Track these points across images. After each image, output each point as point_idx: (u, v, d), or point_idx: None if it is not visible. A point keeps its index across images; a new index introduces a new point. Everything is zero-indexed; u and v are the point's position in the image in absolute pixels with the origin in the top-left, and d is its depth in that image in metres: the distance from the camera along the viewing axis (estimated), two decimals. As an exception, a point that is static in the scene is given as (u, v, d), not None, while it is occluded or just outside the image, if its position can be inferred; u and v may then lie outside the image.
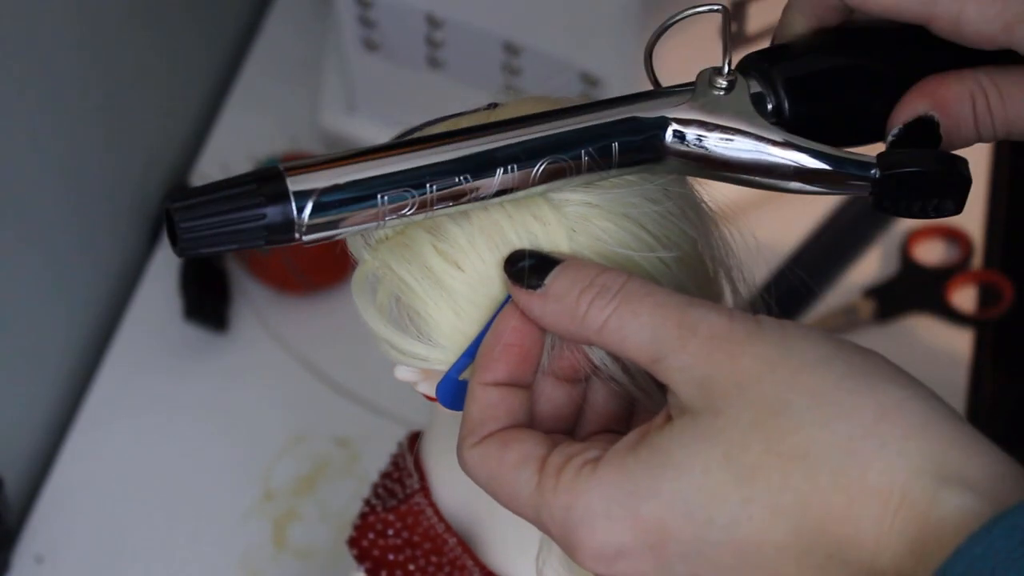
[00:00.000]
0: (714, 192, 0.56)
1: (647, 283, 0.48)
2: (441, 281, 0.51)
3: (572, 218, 0.51)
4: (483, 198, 0.50)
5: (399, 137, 0.55)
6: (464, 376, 0.52)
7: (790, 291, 1.06)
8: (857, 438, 0.44)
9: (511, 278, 0.50)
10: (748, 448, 0.44)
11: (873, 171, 0.50)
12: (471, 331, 0.51)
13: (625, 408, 0.53)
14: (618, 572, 0.47)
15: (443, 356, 0.52)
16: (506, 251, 0.51)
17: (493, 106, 0.54)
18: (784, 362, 0.45)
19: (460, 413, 0.52)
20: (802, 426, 0.44)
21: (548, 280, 0.49)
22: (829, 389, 0.45)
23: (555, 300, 0.49)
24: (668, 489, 0.45)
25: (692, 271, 0.54)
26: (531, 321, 0.50)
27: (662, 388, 0.48)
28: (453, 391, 0.52)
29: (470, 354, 0.52)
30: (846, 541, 0.43)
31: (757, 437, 0.44)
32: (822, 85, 0.53)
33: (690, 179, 0.55)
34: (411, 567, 0.64)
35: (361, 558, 0.65)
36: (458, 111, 0.56)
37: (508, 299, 0.51)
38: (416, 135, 0.52)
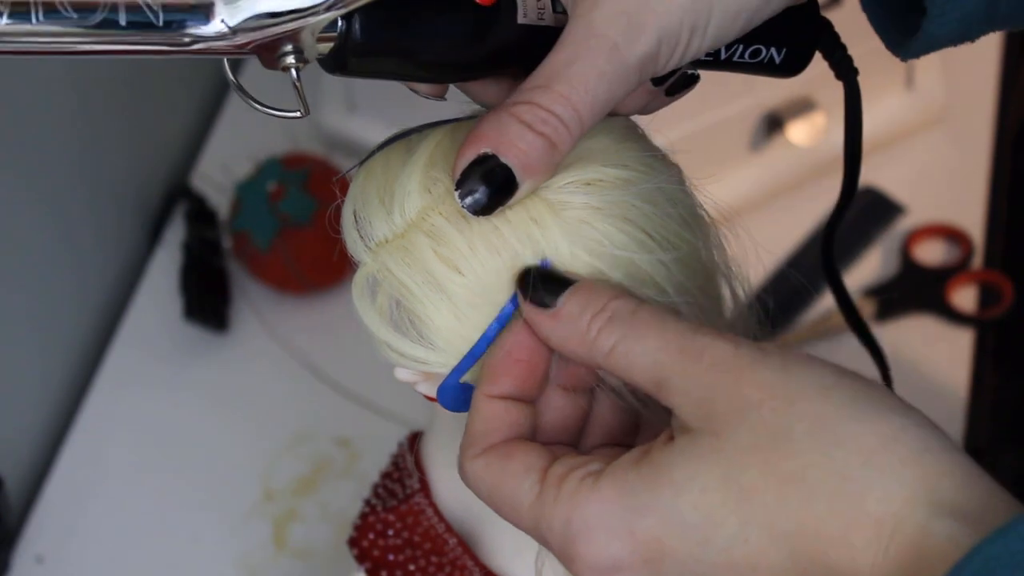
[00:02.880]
0: (714, 194, 0.56)
1: (658, 311, 0.48)
2: (442, 285, 0.51)
3: (572, 222, 0.51)
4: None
5: (395, 138, 0.55)
6: (465, 379, 0.52)
7: (789, 291, 1.06)
8: (855, 466, 0.44)
9: (523, 294, 0.50)
10: (746, 470, 0.44)
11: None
12: (472, 335, 0.51)
13: (630, 421, 0.53)
14: None
15: (444, 359, 0.52)
16: (506, 255, 0.51)
17: None
18: (786, 389, 0.45)
19: (460, 414, 0.52)
20: (801, 451, 0.44)
21: (560, 301, 0.49)
22: (829, 417, 0.45)
23: (566, 322, 0.49)
24: (666, 506, 0.45)
25: (692, 272, 0.54)
26: (540, 338, 0.50)
27: (667, 411, 0.48)
28: (454, 394, 0.52)
29: (472, 358, 0.51)
30: (841, 566, 0.44)
31: (756, 460, 0.44)
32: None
33: (688, 183, 0.55)
34: (411, 567, 0.64)
35: (361, 558, 0.65)
36: (457, 111, 0.56)
37: (512, 309, 0.51)
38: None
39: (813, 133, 1.07)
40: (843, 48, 0.58)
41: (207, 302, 1.06)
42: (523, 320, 0.50)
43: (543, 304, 0.49)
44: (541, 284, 0.50)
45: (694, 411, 0.46)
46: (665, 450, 0.46)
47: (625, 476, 0.46)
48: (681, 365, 0.46)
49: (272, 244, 1.03)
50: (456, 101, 0.56)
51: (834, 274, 0.65)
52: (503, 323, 0.51)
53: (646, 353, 0.47)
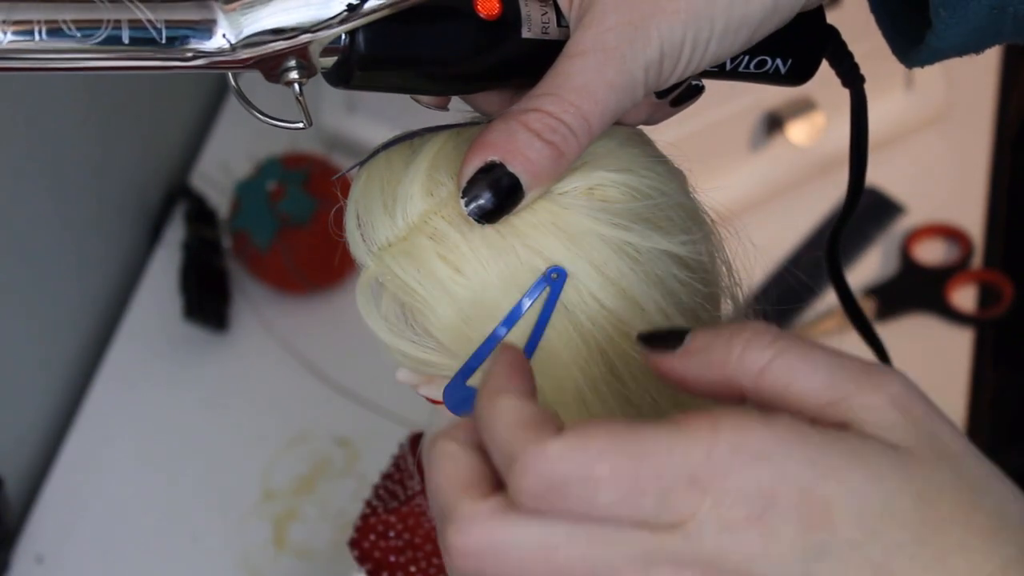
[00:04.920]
0: (713, 194, 0.56)
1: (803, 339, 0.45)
2: (445, 288, 0.51)
3: (574, 227, 0.51)
4: None
5: (389, 142, 0.55)
6: (471, 382, 0.52)
7: (790, 291, 1.06)
8: None
9: (645, 345, 0.46)
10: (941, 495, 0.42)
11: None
12: (477, 337, 0.51)
13: None
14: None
15: (449, 362, 0.52)
16: (509, 258, 0.51)
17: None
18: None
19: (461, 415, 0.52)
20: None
21: (687, 339, 0.45)
22: None
23: (699, 352, 0.45)
24: None
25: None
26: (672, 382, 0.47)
27: None
28: (460, 397, 0.52)
29: (477, 360, 0.51)
30: None
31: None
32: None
33: (692, 188, 0.55)
34: (412, 568, 0.64)
35: (362, 559, 0.65)
36: (460, 117, 0.56)
37: (519, 314, 0.51)
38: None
39: (813, 133, 1.07)
40: (850, 56, 0.58)
41: (207, 302, 1.06)
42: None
43: (669, 347, 0.46)
44: (664, 332, 0.46)
45: (891, 421, 0.43)
46: None
47: None
48: (869, 384, 0.43)
49: (272, 244, 1.03)
50: (458, 107, 0.56)
51: (840, 279, 0.65)
52: (509, 326, 0.51)
53: (817, 370, 0.43)
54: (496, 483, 0.42)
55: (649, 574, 0.40)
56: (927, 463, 0.43)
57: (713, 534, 0.40)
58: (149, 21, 0.48)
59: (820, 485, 0.41)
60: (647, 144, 0.55)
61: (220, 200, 1.11)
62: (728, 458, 0.40)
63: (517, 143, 0.48)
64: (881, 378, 0.43)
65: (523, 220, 0.51)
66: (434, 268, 0.51)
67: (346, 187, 0.55)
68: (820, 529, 0.41)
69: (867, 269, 1.09)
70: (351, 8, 0.49)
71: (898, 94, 1.14)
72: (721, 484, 0.40)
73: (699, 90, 0.56)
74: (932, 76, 1.14)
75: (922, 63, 0.55)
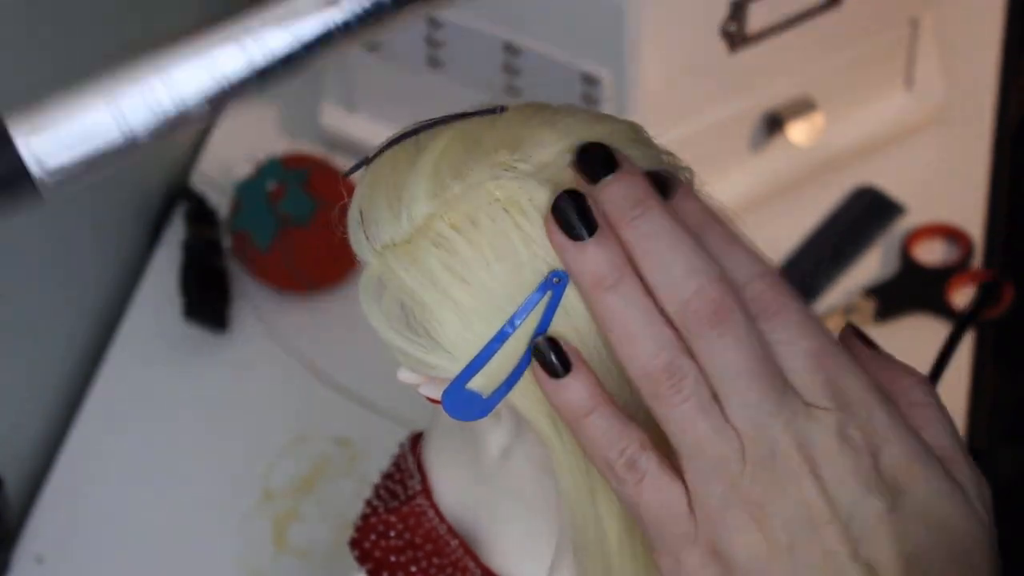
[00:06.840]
0: (713, 194, 0.56)
1: None
2: (447, 293, 0.51)
3: None
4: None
5: (396, 138, 0.54)
6: (471, 386, 0.52)
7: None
8: None
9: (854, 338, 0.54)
10: None
11: None
12: (478, 342, 0.51)
13: None
14: None
15: (450, 364, 0.52)
16: (512, 262, 0.51)
17: (502, 109, 0.54)
18: None
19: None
20: None
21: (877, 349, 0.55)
22: None
23: (887, 359, 0.54)
24: None
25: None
26: None
27: None
28: (459, 400, 0.52)
29: (478, 364, 0.51)
30: None
31: None
32: None
33: (696, 182, 0.55)
34: (413, 568, 0.64)
35: (363, 559, 0.65)
36: (458, 110, 0.55)
37: (520, 319, 0.51)
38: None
39: (813, 133, 1.07)
40: None
41: (207, 302, 1.06)
42: None
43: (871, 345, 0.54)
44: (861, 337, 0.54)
45: None
46: None
47: None
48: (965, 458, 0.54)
49: (272, 244, 1.03)
50: (456, 100, 0.56)
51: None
52: (511, 331, 0.51)
53: (947, 430, 0.55)
54: None
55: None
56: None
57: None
58: None
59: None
60: (648, 145, 0.55)
61: (220, 200, 1.11)
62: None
63: None
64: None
65: (528, 223, 0.51)
66: (437, 274, 0.51)
67: (350, 187, 0.55)
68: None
69: (867, 269, 1.09)
70: None
71: (898, 94, 1.14)
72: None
73: None
74: (932, 76, 1.14)
75: None
